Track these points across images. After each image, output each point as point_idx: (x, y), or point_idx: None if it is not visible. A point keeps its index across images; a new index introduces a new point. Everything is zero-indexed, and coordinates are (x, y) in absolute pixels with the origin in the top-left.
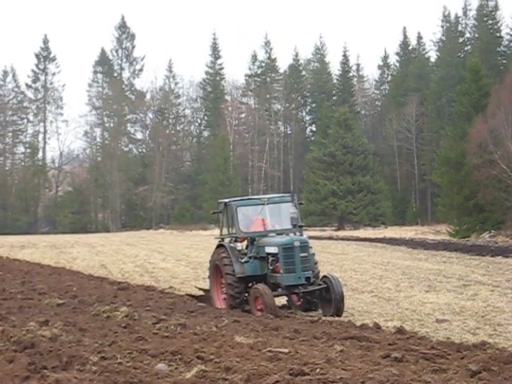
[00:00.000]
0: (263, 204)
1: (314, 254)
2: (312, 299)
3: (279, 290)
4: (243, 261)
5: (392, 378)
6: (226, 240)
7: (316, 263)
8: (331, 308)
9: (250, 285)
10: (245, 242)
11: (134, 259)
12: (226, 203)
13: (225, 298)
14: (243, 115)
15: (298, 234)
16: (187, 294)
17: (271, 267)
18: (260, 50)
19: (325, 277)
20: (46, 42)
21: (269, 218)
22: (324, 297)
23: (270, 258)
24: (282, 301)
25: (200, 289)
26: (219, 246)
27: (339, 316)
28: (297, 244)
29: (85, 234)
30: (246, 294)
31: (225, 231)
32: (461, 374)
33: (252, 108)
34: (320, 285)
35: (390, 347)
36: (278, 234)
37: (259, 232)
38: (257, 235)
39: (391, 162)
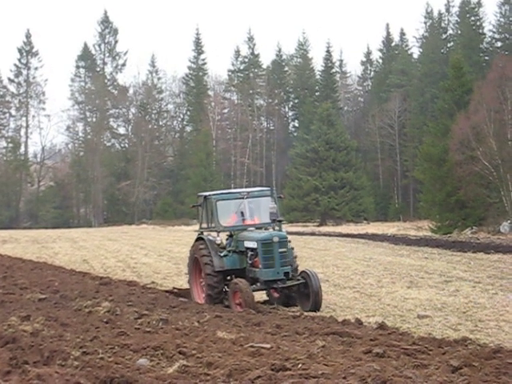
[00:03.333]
0: (243, 198)
1: (292, 249)
2: (290, 294)
3: (258, 284)
4: (222, 255)
5: (373, 373)
6: (205, 233)
7: (295, 257)
8: (309, 303)
9: (229, 278)
10: (224, 236)
11: (116, 254)
12: (205, 197)
13: (203, 290)
14: (226, 110)
15: (277, 228)
16: (169, 291)
17: (250, 262)
18: (243, 46)
19: (303, 272)
20: (28, 36)
21: (248, 211)
22: (302, 292)
23: (249, 253)
24: (263, 296)
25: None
26: (198, 239)
27: (317, 311)
28: (276, 239)
29: (67, 228)
30: (225, 288)
31: (204, 225)
32: (442, 370)
33: (235, 103)
34: (298, 280)
35: (372, 343)
36: (257, 229)
37: (238, 226)
38: (236, 229)
39: (374, 158)
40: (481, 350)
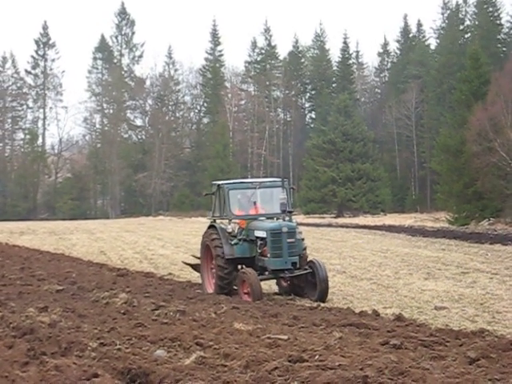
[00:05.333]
0: (255, 188)
1: (303, 240)
2: (299, 284)
3: (266, 273)
4: (233, 243)
5: (391, 364)
6: (218, 221)
7: (305, 249)
8: (316, 292)
9: (240, 267)
10: (235, 224)
11: (133, 246)
12: (218, 185)
13: (214, 277)
14: (243, 102)
15: (287, 219)
16: (183, 262)
17: (259, 250)
18: (260, 37)
19: (310, 262)
20: (45, 28)
21: (260, 201)
22: (309, 281)
23: (259, 242)
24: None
25: (188, 264)
26: (210, 226)
27: (323, 301)
28: (285, 230)
29: (84, 220)
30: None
31: (217, 213)
32: (459, 361)
33: (252, 95)
34: (306, 269)
35: (389, 334)
36: (267, 218)
37: (250, 215)
38: (247, 218)
39: (391, 150)
40: (498, 341)
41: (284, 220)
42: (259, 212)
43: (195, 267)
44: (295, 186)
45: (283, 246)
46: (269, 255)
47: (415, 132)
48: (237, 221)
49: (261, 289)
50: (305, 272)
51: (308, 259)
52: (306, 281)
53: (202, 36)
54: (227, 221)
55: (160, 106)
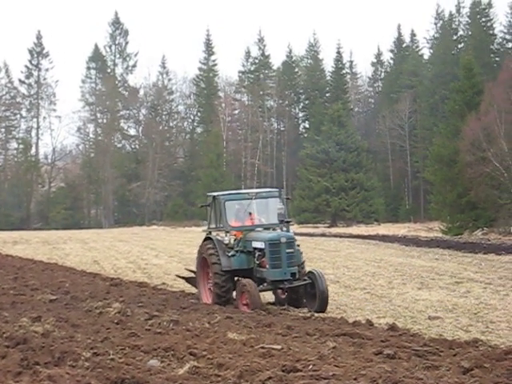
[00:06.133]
0: (251, 198)
1: (301, 253)
2: (297, 296)
3: (265, 284)
4: (230, 254)
5: (384, 374)
6: (214, 233)
7: (303, 262)
8: (315, 303)
9: (236, 279)
10: (232, 236)
11: (126, 255)
12: (214, 197)
13: (210, 290)
14: (236, 112)
15: (284, 229)
16: (177, 275)
17: (258, 262)
18: (253, 47)
19: (310, 272)
20: (39, 37)
21: (256, 212)
22: (309, 292)
23: (257, 253)
24: (273, 297)
25: (182, 277)
26: (206, 238)
27: (323, 311)
28: (283, 240)
29: (77, 230)
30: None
31: (213, 225)
32: (453, 371)
33: (245, 105)
34: (305, 280)
35: (383, 344)
36: (264, 229)
37: (246, 226)
38: (244, 229)
39: (384, 159)
40: (492, 351)
41: (282, 230)
42: (255, 223)
43: (189, 280)
44: (290, 195)
45: (282, 257)
46: (268, 266)
47: (408, 142)
48: (233, 232)
49: (260, 300)
50: (304, 283)
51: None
52: (306, 292)
53: (196, 46)
54: (224, 232)
55: (154, 115)
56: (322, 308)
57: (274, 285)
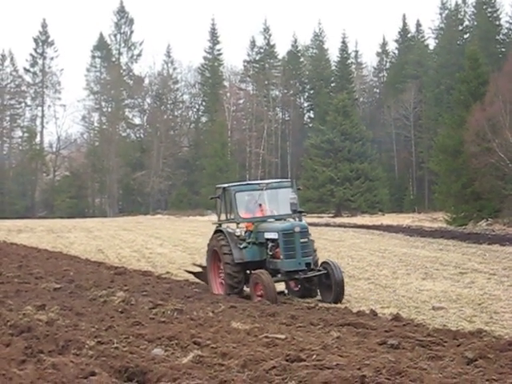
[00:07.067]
0: (262, 189)
1: (313, 241)
2: (311, 286)
3: (279, 275)
4: (242, 246)
5: (388, 364)
6: (224, 225)
7: (315, 250)
8: (331, 294)
9: (248, 272)
10: (243, 228)
11: (131, 244)
12: (224, 188)
13: (222, 283)
14: (241, 101)
15: (296, 219)
16: (186, 270)
17: (271, 253)
18: (259, 36)
19: (325, 263)
20: (44, 26)
21: (267, 203)
22: (324, 283)
23: (270, 244)
24: (278, 287)
25: (190, 272)
26: (217, 231)
27: (338, 302)
28: (297, 230)
29: (82, 218)
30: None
31: (223, 217)
32: (457, 362)
33: (250, 94)
34: (320, 270)
35: (387, 334)
36: (276, 220)
37: (258, 218)
38: (255, 221)
39: (389, 149)
40: (496, 341)
41: (294, 220)
42: (266, 214)
43: (198, 275)
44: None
45: (296, 247)
46: (282, 256)
47: (413, 132)
48: (244, 224)
49: (275, 291)
50: (319, 273)
51: (319, 260)
52: (320, 282)
53: (201, 35)
54: (235, 224)
55: (158, 104)
56: (338, 298)
57: (289, 275)
